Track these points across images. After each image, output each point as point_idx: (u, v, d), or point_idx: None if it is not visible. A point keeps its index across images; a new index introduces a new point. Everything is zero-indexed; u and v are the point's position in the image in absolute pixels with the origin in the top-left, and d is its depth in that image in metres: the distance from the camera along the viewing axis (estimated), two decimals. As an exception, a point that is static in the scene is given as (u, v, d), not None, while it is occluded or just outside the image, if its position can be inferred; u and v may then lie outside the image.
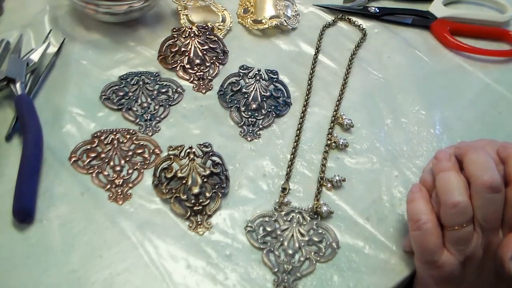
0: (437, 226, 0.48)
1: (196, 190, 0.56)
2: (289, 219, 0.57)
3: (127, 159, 0.60)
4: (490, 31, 0.84)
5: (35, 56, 0.67)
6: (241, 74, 0.69)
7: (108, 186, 0.57)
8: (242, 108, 0.66)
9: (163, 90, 0.68)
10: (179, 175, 0.57)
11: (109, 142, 0.61)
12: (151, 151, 0.61)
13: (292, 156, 0.62)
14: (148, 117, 0.64)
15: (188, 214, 0.56)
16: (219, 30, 0.77)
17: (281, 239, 0.55)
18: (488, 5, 0.90)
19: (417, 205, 0.49)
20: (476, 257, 0.48)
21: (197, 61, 0.71)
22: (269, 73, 0.70)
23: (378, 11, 0.84)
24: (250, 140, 0.64)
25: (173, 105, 0.67)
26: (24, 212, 0.53)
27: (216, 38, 0.74)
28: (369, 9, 0.84)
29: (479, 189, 0.46)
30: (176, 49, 0.71)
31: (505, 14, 0.86)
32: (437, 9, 0.86)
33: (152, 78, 0.68)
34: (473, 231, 0.47)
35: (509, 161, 0.49)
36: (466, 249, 0.47)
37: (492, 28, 0.85)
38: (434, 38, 0.83)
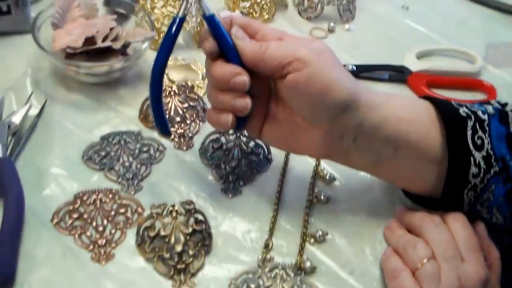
0: (411, 274, 0.53)
1: (179, 248, 0.56)
2: (273, 275, 0.57)
3: (110, 218, 0.60)
4: (464, 82, 0.87)
5: (16, 119, 0.67)
6: (222, 131, 0.70)
7: (91, 247, 0.57)
8: (223, 165, 0.67)
9: (145, 149, 0.68)
10: (162, 233, 0.57)
11: (91, 202, 0.61)
12: (133, 210, 0.61)
13: (274, 212, 0.63)
14: (130, 176, 0.65)
15: (172, 273, 0.55)
16: (199, 88, 0.78)
17: (266, 296, 0.55)
18: (459, 57, 0.92)
19: (392, 261, 0.56)
20: None
21: (178, 118, 0.72)
22: (250, 130, 0.71)
23: (355, 69, 0.85)
24: (232, 197, 0.64)
25: (155, 163, 0.67)
26: (4, 276, 0.52)
27: (196, 96, 0.75)
28: (346, 67, 0.86)
29: (426, 225, 0.56)
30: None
31: (475, 64, 0.89)
32: (411, 63, 0.88)
33: (133, 137, 0.69)
34: (437, 265, 0.52)
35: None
36: (439, 284, 0.51)
37: (466, 78, 0.88)
38: (411, 91, 0.84)
